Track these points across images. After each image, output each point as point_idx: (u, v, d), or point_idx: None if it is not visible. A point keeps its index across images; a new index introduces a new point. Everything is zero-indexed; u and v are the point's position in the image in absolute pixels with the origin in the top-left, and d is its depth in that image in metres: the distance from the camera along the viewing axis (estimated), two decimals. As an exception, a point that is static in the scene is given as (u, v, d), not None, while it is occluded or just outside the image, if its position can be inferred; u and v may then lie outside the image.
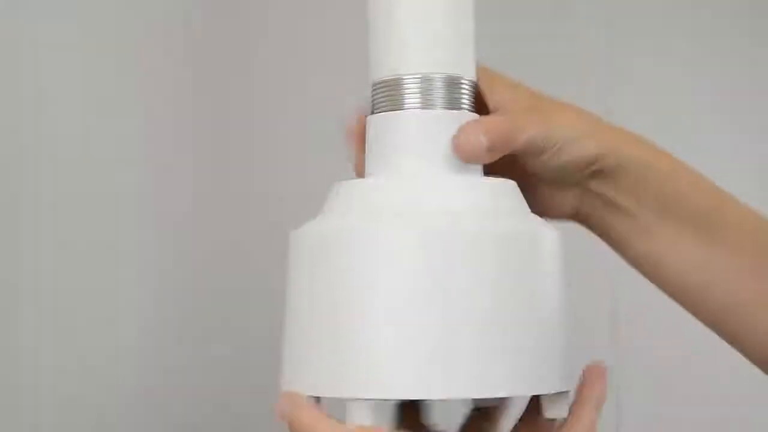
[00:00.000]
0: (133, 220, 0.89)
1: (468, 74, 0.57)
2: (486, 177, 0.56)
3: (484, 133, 0.55)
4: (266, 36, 0.99)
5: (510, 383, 0.50)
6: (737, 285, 0.59)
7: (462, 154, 0.55)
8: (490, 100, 0.58)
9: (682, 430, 1.27)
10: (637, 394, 1.27)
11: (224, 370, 0.93)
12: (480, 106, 0.58)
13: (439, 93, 0.55)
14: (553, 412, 0.53)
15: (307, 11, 1.01)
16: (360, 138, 0.58)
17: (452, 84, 0.56)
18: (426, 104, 0.55)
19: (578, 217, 0.61)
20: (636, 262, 0.61)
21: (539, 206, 0.60)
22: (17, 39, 0.83)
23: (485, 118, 0.56)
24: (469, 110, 0.56)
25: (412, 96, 0.55)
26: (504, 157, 0.57)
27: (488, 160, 0.56)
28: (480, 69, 0.59)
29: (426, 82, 0.55)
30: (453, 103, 0.55)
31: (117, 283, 0.88)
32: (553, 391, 0.52)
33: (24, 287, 0.83)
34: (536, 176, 0.59)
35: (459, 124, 0.55)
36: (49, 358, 0.83)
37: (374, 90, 0.57)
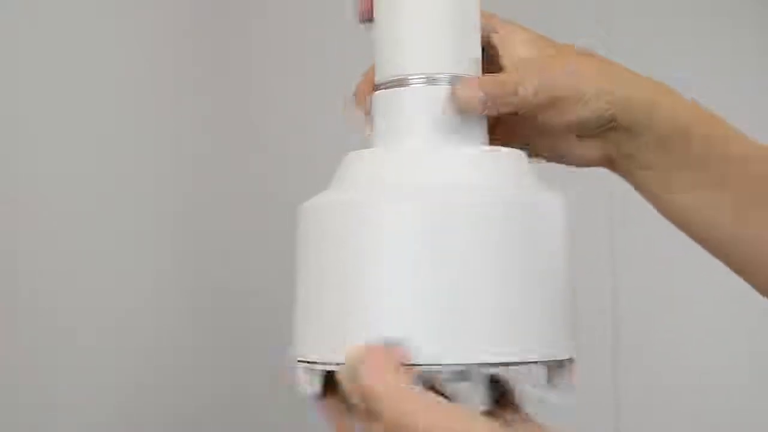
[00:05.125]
0: (133, 218, 0.89)
1: (473, 73, 0.57)
2: (492, 147, 0.57)
3: (482, 87, 0.56)
4: (266, 28, 0.99)
5: (519, 349, 0.51)
6: (745, 218, 0.60)
7: (457, 106, 0.55)
8: (505, 55, 0.59)
9: (682, 428, 1.27)
10: (637, 394, 1.27)
11: (223, 369, 0.93)
12: (496, 61, 0.59)
13: (444, 82, 0.56)
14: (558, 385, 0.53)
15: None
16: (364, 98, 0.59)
17: (457, 81, 0.56)
18: (431, 84, 0.56)
19: (604, 164, 0.62)
20: (659, 209, 0.62)
21: (565, 157, 0.62)
22: (16, 28, 0.84)
23: (487, 75, 0.57)
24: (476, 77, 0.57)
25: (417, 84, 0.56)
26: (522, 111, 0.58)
27: (486, 112, 0.57)
28: (497, 22, 0.60)
29: (431, 81, 0.56)
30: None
31: (116, 282, 0.88)
32: (560, 358, 0.53)
33: (23, 287, 0.83)
34: (555, 129, 0.60)
35: None
36: (49, 358, 0.84)
37: (379, 88, 0.57)
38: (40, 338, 0.83)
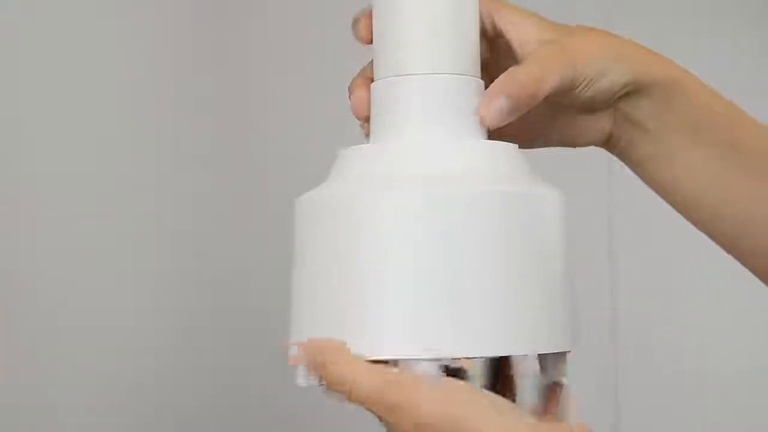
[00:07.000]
0: (133, 218, 0.89)
1: (471, 73, 0.57)
2: (488, 140, 0.57)
3: (505, 95, 0.55)
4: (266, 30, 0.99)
5: (517, 341, 0.51)
6: (753, 204, 0.59)
7: (488, 123, 0.55)
8: (517, 40, 0.58)
9: (682, 428, 1.27)
10: (637, 394, 1.27)
11: (223, 369, 0.93)
12: (501, 46, 0.59)
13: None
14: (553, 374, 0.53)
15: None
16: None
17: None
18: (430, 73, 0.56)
19: (607, 142, 0.62)
20: (655, 183, 0.62)
21: (570, 132, 0.61)
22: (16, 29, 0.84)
23: (503, 79, 0.56)
24: (474, 77, 0.57)
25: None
26: None
27: (516, 117, 0.56)
28: (499, 5, 0.59)
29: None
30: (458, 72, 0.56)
31: (116, 282, 0.88)
32: (559, 350, 0.53)
33: (23, 287, 0.83)
34: (567, 104, 0.60)
35: (462, 89, 0.55)
36: (49, 358, 0.84)
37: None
38: (40, 338, 0.83)
